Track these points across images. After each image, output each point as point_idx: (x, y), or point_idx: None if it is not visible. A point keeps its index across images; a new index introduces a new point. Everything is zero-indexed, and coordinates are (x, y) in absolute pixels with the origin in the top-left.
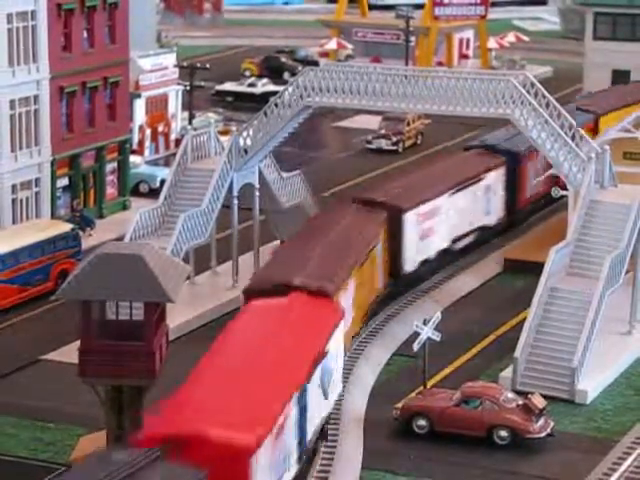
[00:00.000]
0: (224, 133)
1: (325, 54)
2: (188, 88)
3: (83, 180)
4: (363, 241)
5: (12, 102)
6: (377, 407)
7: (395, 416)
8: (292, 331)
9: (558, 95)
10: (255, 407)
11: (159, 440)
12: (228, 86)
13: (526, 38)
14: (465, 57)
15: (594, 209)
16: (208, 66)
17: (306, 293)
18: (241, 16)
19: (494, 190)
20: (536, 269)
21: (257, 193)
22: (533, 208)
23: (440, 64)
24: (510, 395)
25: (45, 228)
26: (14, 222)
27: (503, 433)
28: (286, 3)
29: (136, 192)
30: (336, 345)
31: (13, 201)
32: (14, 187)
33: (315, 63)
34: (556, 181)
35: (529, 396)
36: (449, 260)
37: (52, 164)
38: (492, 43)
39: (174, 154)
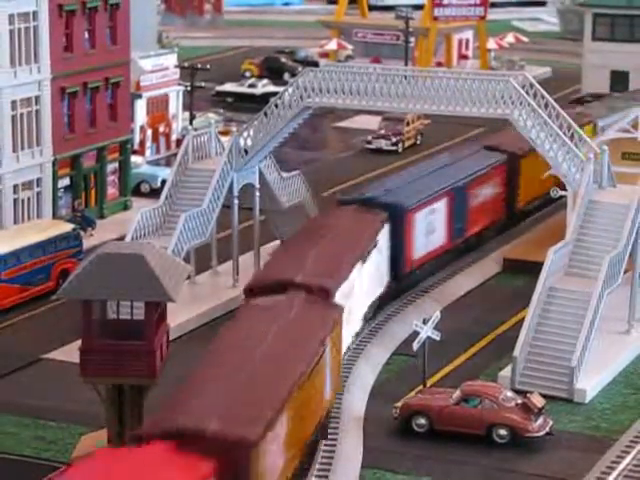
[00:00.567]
0: (224, 133)
1: (325, 55)
2: (189, 89)
3: (84, 180)
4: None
5: (14, 103)
6: (377, 406)
7: (395, 415)
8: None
9: (557, 96)
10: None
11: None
12: (228, 87)
13: (525, 39)
14: (464, 58)
15: (593, 209)
16: (208, 67)
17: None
18: (241, 17)
19: (382, 253)
20: (535, 269)
21: (257, 193)
22: (429, 268)
23: (439, 64)
24: (509, 394)
25: (46, 228)
26: (16, 222)
27: (502, 432)
28: (286, 4)
29: (137, 192)
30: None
31: (15, 201)
32: (16, 187)
33: (315, 64)
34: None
35: (528, 395)
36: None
37: (53, 164)
38: (491, 44)
39: (175, 154)
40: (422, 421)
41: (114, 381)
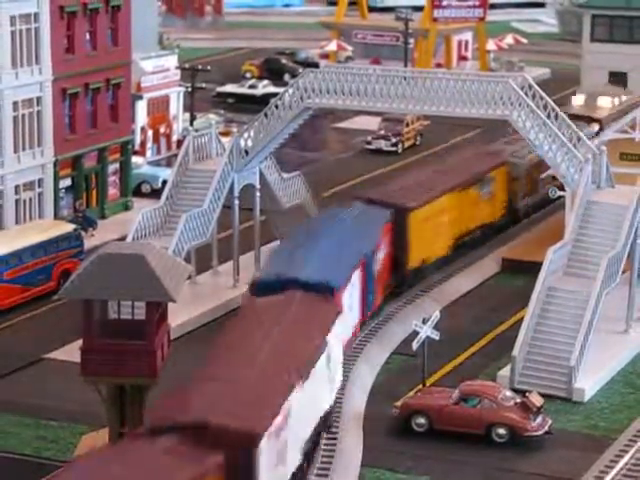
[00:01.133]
0: (225, 134)
1: (325, 56)
2: (189, 90)
3: (86, 181)
4: None
5: (15, 103)
6: (377, 405)
7: (394, 414)
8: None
9: (556, 97)
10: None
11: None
12: (229, 88)
13: (524, 40)
14: (464, 59)
15: (591, 209)
16: (209, 68)
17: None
18: (242, 18)
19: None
20: (534, 269)
21: (258, 194)
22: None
23: (439, 66)
24: (508, 393)
25: (48, 228)
26: (17, 222)
27: (501, 431)
28: (286, 5)
29: (138, 192)
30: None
31: (16, 202)
32: (17, 188)
33: (315, 65)
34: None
35: (527, 394)
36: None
37: (55, 165)
38: (490, 45)
39: (176, 155)
40: (422, 420)
41: (115, 381)
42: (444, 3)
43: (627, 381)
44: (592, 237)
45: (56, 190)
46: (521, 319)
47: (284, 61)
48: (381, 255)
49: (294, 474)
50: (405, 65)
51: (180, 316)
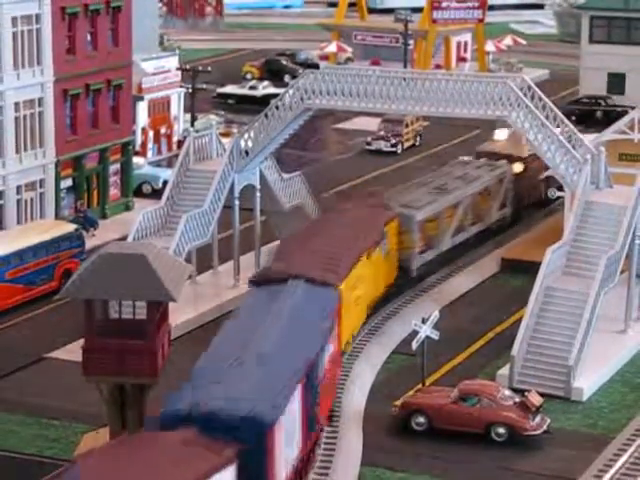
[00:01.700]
0: (225, 135)
1: (325, 57)
2: (190, 91)
3: (87, 181)
4: None
5: (17, 104)
6: (376, 404)
7: (394, 413)
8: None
9: (554, 98)
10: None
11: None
12: (229, 89)
13: (523, 41)
14: (463, 60)
15: (590, 210)
16: (210, 69)
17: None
18: (242, 19)
19: None
20: (533, 269)
21: (258, 194)
22: None
23: (438, 67)
24: (507, 393)
25: (49, 229)
26: (19, 223)
27: (500, 430)
28: (287, 7)
29: (139, 193)
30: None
31: (18, 202)
32: (19, 188)
33: (315, 66)
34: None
35: (526, 394)
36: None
37: (56, 165)
38: (490, 46)
39: (176, 155)
40: (421, 419)
41: (116, 380)
42: (443, 5)
43: (625, 380)
44: (591, 237)
45: (57, 190)
46: (520, 319)
47: (284, 62)
48: (329, 350)
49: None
50: (405, 66)
51: (181, 316)
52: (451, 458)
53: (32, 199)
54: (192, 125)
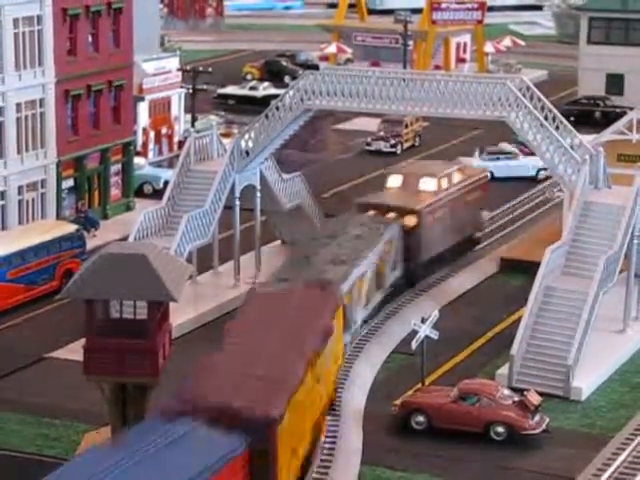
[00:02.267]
0: (226, 135)
1: (325, 58)
2: (191, 91)
3: (88, 181)
4: None
5: (18, 105)
6: (376, 404)
7: (394, 412)
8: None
9: (553, 98)
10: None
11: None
12: (230, 89)
13: (522, 42)
14: (462, 61)
15: (588, 210)
16: (210, 70)
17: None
18: (243, 21)
19: None
20: (532, 268)
21: (258, 194)
22: None
23: (437, 67)
24: (506, 392)
25: (50, 229)
26: (20, 223)
27: (499, 429)
28: (287, 8)
29: (140, 193)
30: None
31: (19, 202)
32: (20, 188)
33: (315, 67)
34: None
35: (525, 393)
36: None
37: (57, 166)
38: (489, 47)
39: (177, 156)
40: (421, 419)
41: (117, 380)
42: (443, 6)
43: (624, 380)
44: (590, 237)
45: (59, 191)
46: (519, 318)
47: (284, 63)
48: None
49: None
50: (404, 67)
51: (181, 315)
52: (450, 457)
53: (33, 199)
54: (193, 126)
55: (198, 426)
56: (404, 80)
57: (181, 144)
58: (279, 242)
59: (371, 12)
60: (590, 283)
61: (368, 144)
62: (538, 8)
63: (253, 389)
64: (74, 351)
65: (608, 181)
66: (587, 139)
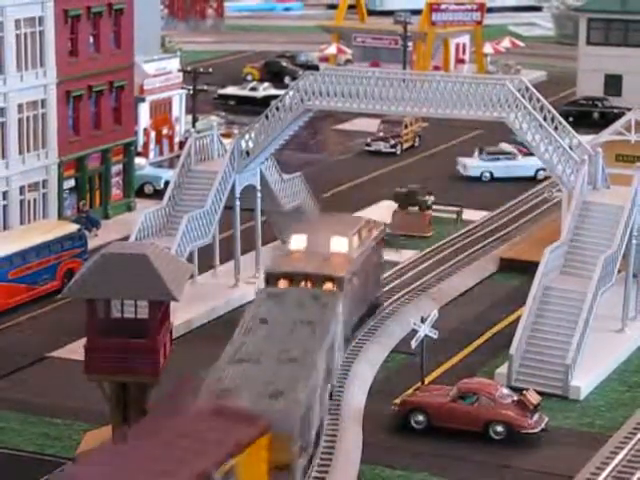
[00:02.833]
0: (226, 136)
1: (325, 59)
2: (191, 92)
3: (89, 182)
4: None
5: (20, 106)
6: (376, 403)
7: (393, 412)
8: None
9: (552, 99)
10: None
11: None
12: (230, 90)
13: (521, 43)
14: (461, 62)
15: (587, 210)
16: (211, 70)
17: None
18: (243, 22)
19: None
20: (531, 268)
21: (259, 194)
22: None
23: (437, 68)
24: (505, 391)
25: (52, 229)
26: (22, 223)
27: (499, 428)
28: (287, 9)
29: (141, 193)
30: None
31: (21, 202)
32: (22, 188)
33: (315, 67)
34: None
35: (524, 392)
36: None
37: (59, 166)
38: (488, 48)
39: (178, 156)
40: (420, 418)
41: (118, 379)
42: (442, 7)
43: (622, 379)
44: (588, 237)
45: (60, 191)
46: (518, 318)
47: (284, 64)
48: None
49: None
50: (404, 68)
51: (182, 315)
52: (450, 456)
53: (35, 199)
54: (193, 126)
55: None
56: (404, 81)
57: (182, 144)
58: (279, 242)
59: (371, 13)
60: (589, 283)
61: (368, 144)
62: (537, 9)
63: None
64: (75, 351)
65: (607, 181)
66: (586, 139)
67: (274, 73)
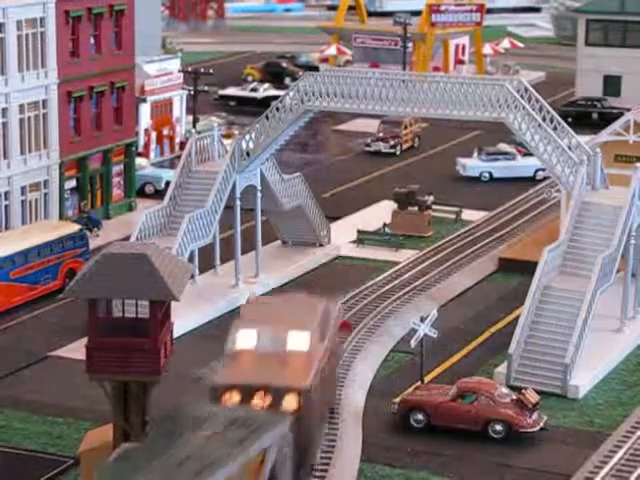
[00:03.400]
0: (227, 136)
1: (325, 59)
2: (192, 93)
3: (90, 182)
4: None
5: (21, 106)
6: (376, 402)
7: (393, 410)
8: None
9: (551, 100)
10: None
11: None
12: (231, 91)
13: (520, 44)
14: (461, 62)
15: (586, 210)
16: (211, 71)
17: None
18: (243, 23)
19: None
20: (530, 268)
21: (259, 195)
22: None
23: (436, 69)
24: (505, 390)
25: (53, 229)
26: (23, 223)
27: (498, 427)
28: (287, 10)
29: (142, 193)
30: None
31: (22, 202)
32: (23, 189)
33: (315, 68)
34: None
35: (523, 391)
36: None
37: (60, 166)
38: (487, 49)
39: (179, 157)
40: (420, 417)
41: (119, 378)
42: (442, 8)
43: (621, 378)
44: (587, 237)
45: (61, 191)
46: (517, 317)
47: (285, 65)
48: None
49: None
50: (403, 68)
51: (182, 315)
52: (449, 454)
53: (36, 200)
54: (194, 127)
55: None
56: (403, 82)
57: (182, 145)
58: (279, 242)
59: (371, 14)
60: (587, 283)
61: (367, 145)
62: (536, 10)
63: None
64: (77, 350)
65: (605, 181)
66: (584, 140)
67: (274, 74)
